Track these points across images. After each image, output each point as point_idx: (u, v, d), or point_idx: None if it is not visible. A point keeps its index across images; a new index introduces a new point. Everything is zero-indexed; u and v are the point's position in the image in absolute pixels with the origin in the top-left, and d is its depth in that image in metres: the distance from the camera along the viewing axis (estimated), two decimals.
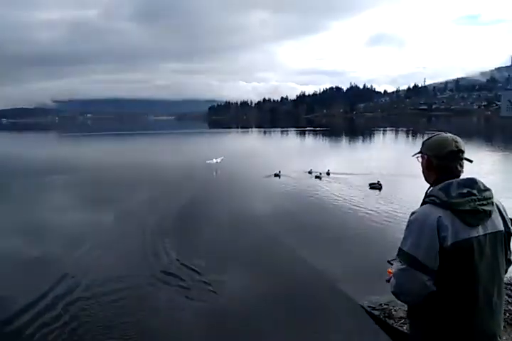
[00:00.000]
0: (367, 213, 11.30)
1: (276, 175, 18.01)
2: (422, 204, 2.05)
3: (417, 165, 2.30)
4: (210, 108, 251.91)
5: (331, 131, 65.39)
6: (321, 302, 6.30)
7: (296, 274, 7.30)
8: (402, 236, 2.02)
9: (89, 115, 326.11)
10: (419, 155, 2.23)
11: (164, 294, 6.66)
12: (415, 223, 1.95)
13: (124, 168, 23.04)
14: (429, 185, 2.15)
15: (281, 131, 67.25)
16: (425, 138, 2.22)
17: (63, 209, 13.34)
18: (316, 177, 17.40)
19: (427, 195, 2.05)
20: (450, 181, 2.00)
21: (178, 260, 8.03)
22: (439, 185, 2.01)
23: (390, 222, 10.24)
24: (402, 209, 11.04)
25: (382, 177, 15.73)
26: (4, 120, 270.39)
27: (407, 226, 2.00)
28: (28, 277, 7.36)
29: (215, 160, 20.84)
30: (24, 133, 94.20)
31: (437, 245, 1.87)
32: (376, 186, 14.71)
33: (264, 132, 70.22)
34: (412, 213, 2.01)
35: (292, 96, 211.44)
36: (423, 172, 2.22)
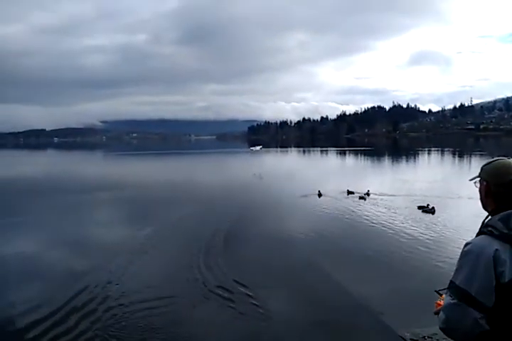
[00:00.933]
0: (415, 238, 10.72)
1: (319, 195, 17.85)
2: (477, 234, 1.87)
3: (468, 189, 2.10)
4: (249, 128, 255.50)
5: (375, 150, 64.00)
6: (360, 331, 5.94)
7: (334, 299, 7.00)
8: (453, 265, 1.91)
9: (134, 135, 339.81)
10: (477, 179, 2.01)
11: (205, 306, 6.75)
12: (469, 255, 1.78)
13: (169, 185, 23.90)
14: (486, 213, 1.97)
15: (321, 151, 66.76)
16: (484, 162, 2.03)
17: (111, 224, 13.94)
18: (360, 197, 17.01)
19: (484, 225, 1.87)
20: (511, 211, 1.82)
21: (218, 275, 8.05)
22: (499, 215, 1.83)
23: (441, 248, 9.60)
24: (456, 237, 10.38)
25: (430, 200, 15.05)
26: (56, 139, 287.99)
27: (461, 257, 1.83)
28: (75, 284, 7.59)
29: (257, 148, 27.72)
30: (73, 151, 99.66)
31: (493, 280, 1.70)
32: (428, 210, 13.93)
33: (304, 151, 70.13)
34: (467, 244, 1.83)
35: (333, 115, 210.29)
36: (481, 198, 2.01)
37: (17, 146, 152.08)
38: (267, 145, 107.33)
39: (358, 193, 17.75)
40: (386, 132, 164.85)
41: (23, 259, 9.69)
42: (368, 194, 17.43)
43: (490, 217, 1.90)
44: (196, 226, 12.71)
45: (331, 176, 28.55)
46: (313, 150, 69.68)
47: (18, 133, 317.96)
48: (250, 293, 7.16)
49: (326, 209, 15.04)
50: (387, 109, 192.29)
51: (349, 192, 17.95)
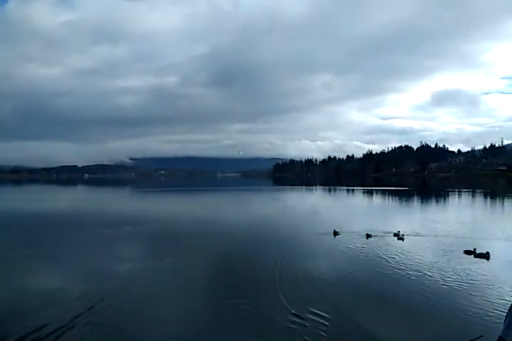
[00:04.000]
0: (458, 284, 10.04)
1: (334, 234, 17.37)
2: None
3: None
4: (274, 165, 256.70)
5: (410, 191, 62.05)
6: None
7: None
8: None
9: (162, 171, 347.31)
10: None
11: None
12: None
13: (196, 220, 24.02)
14: None
15: (348, 190, 65.67)
16: None
17: (135, 258, 13.85)
18: (399, 238, 16.34)
19: None
20: None
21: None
22: None
23: (484, 297, 8.85)
24: (505, 285, 9.74)
25: (472, 243, 14.39)
26: (87, 175, 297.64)
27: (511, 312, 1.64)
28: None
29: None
30: (103, 187, 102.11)
31: None
32: (482, 255, 12.99)
33: (329, 190, 69.12)
34: None
35: (358, 154, 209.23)
36: None
37: (49, 181, 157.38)
38: (292, 182, 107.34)
39: (387, 233, 17.15)
40: (414, 172, 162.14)
41: (43, 287, 10.02)
42: (397, 235, 16.68)
43: None
44: (214, 262, 12.96)
45: (359, 216, 27.80)
46: (340, 189, 68.68)
47: (52, 168, 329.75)
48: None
49: (362, 251, 14.44)
50: (415, 148, 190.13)
51: (368, 236, 16.85)
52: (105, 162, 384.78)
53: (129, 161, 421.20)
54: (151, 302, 8.94)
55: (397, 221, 22.60)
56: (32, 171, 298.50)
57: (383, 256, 13.32)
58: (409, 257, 13.17)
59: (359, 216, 27.41)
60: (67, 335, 7.00)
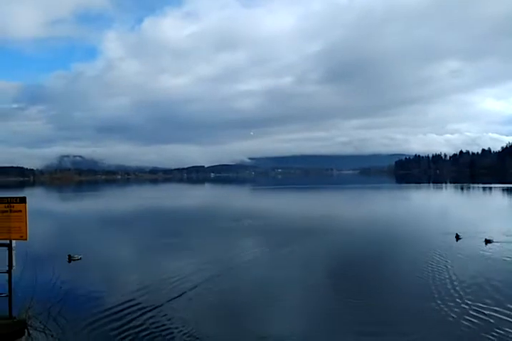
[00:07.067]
0: None
1: (456, 238, 15.60)
2: None
3: None
4: (396, 162, 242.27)
5: None
6: None
7: None
8: None
9: (279, 170, 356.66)
10: None
11: None
12: None
13: (311, 217, 24.29)
14: None
15: (483, 188, 58.38)
16: None
17: (254, 249, 14.73)
18: None
19: None
20: None
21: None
22: None
23: None
24: None
25: None
26: (212, 174, 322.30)
27: None
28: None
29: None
30: (227, 185, 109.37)
31: None
32: None
33: (462, 188, 62.39)
34: None
35: (496, 148, 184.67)
36: None
37: (182, 180, 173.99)
38: (417, 180, 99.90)
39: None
40: None
41: (174, 268, 11.44)
42: (489, 241, 14.59)
43: None
44: (336, 258, 13.27)
45: (495, 217, 24.35)
46: (474, 187, 61.56)
47: (183, 169, 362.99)
48: None
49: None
50: None
51: (487, 241, 14.72)
52: (227, 162, 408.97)
53: (248, 161, 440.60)
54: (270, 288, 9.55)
55: None
56: (166, 172, 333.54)
57: None
58: None
59: (495, 217, 24.05)
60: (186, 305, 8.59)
